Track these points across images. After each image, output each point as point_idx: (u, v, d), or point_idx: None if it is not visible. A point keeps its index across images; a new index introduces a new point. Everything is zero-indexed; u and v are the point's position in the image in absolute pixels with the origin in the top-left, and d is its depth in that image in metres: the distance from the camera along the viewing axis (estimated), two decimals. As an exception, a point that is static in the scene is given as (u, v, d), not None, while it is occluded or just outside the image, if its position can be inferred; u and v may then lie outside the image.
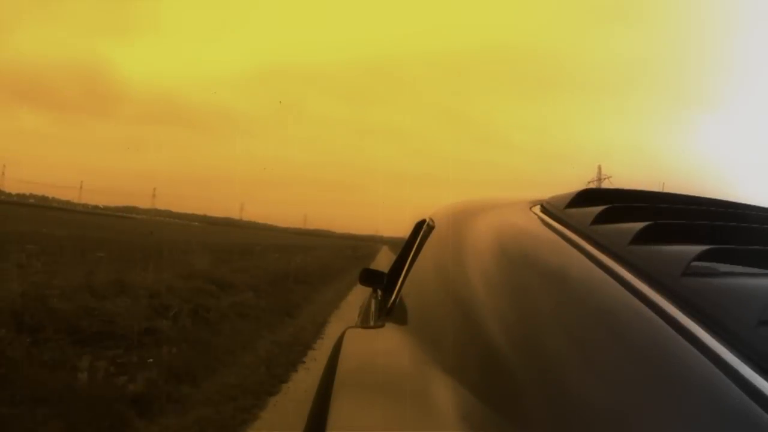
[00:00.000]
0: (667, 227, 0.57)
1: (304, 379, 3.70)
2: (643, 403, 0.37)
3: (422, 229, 1.26)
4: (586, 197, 0.71)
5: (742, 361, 0.35)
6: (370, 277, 2.21)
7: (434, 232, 1.05)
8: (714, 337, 0.38)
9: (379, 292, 1.98)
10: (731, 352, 0.36)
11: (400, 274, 1.23)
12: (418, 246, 1.17)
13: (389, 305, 1.11)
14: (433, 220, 1.13)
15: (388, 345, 0.75)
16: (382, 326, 0.93)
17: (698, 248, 0.48)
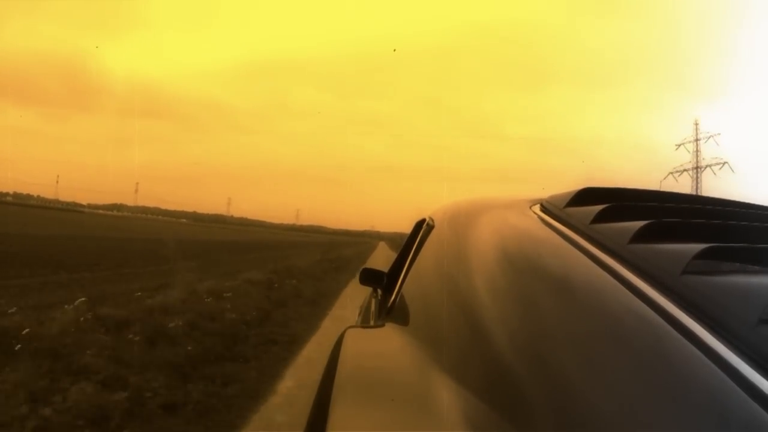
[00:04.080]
0: (666, 226, 0.57)
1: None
2: (642, 402, 0.37)
3: (422, 229, 1.26)
4: (585, 196, 0.72)
5: (742, 359, 0.35)
6: (370, 277, 2.20)
7: (434, 232, 1.05)
8: (714, 336, 0.38)
9: (379, 292, 1.98)
10: (731, 350, 0.36)
11: (400, 274, 1.24)
12: (418, 245, 1.17)
13: (389, 305, 1.11)
14: (433, 220, 1.13)
15: (388, 345, 0.75)
16: (382, 326, 0.93)
17: (698, 247, 0.48)
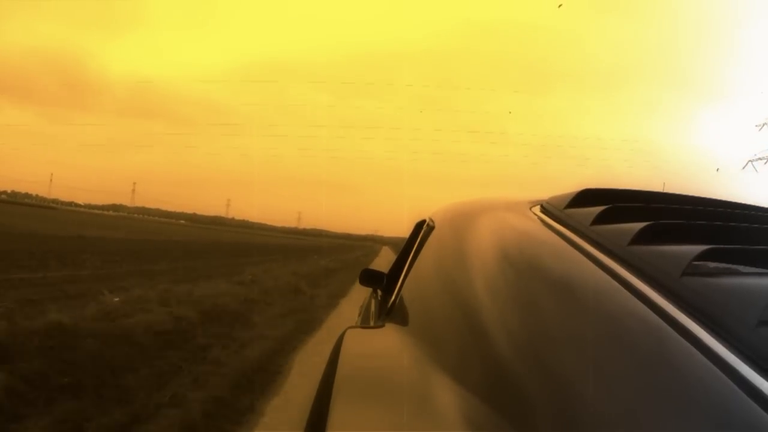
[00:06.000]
0: (667, 227, 0.57)
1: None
2: (643, 403, 0.37)
3: (422, 229, 1.26)
4: (585, 197, 0.72)
5: (742, 361, 0.35)
6: (370, 278, 2.20)
7: (434, 232, 1.05)
8: (714, 337, 0.38)
9: (379, 292, 1.98)
10: (731, 352, 0.36)
11: (400, 274, 1.24)
12: (418, 246, 1.18)
13: (389, 305, 1.11)
14: (433, 220, 1.13)
15: (388, 345, 0.75)
16: (382, 326, 0.93)
17: (698, 248, 0.48)
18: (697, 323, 0.40)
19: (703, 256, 0.48)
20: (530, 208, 0.79)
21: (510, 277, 0.64)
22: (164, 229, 46.45)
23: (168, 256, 13.58)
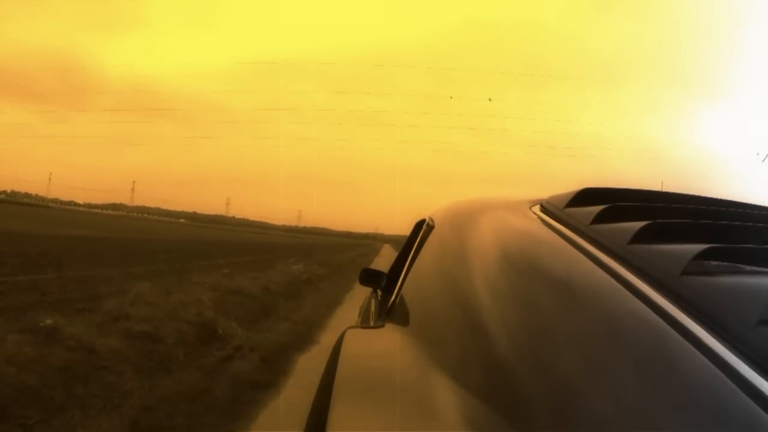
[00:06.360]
0: (666, 226, 0.57)
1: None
2: (642, 402, 0.36)
3: (422, 229, 1.26)
4: (585, 197, 0.72)
5: (742, 360, 0.35)
6: (370, 277, 2.20)
7: (434, 232, 1.05)
8: (714, 337, 0.38)
9: (379, 292, 1.98)
10: (731, 351, 0.36)
11: (400, 274, 1.24)
12: (418, 246, 1.18)
13: (389, 305, 1.11)
14: (433, 220, 1.13)
15: (388, 345, 0.75)
16: (382, 326, 0.93)
17: (698, 247, 0.48)
18: (697, 322, 0.40)
19: (703, 255, 0.47)
20: (530, 208, 0.79)
21: (510, 277, 0.64)
22: (152, 227, 42.40)
23: (87, 260, 9.64)
